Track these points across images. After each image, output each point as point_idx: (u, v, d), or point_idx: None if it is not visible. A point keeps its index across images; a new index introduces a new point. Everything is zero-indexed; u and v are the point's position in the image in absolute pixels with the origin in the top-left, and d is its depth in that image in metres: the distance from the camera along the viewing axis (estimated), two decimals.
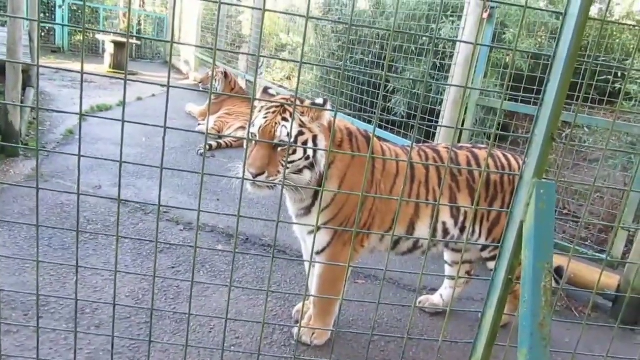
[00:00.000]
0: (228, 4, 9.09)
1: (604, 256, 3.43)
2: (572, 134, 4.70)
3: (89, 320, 2.39)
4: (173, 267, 3.05)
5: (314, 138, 2.18)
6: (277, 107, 2.19)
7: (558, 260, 3.06)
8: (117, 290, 2.67)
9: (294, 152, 2.14)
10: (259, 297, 2.85)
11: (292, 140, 2.12)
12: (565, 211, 4.64)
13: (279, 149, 2.02)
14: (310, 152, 2.16)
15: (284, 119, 2.13)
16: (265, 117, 2.17)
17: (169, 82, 1.15)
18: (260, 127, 2.16)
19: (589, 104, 4.28)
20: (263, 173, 2.05)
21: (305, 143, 2.16)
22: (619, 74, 4.24)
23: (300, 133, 2.16)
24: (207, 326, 2.52)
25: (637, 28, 4.56)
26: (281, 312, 2.78)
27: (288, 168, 2.15)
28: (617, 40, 5.32)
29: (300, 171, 2.18)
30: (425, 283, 3.37)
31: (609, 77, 4.19)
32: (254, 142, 2.13)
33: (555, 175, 3.70)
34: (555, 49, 1.24)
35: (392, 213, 2.40)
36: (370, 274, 3.35)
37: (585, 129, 4.75)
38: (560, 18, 1.25)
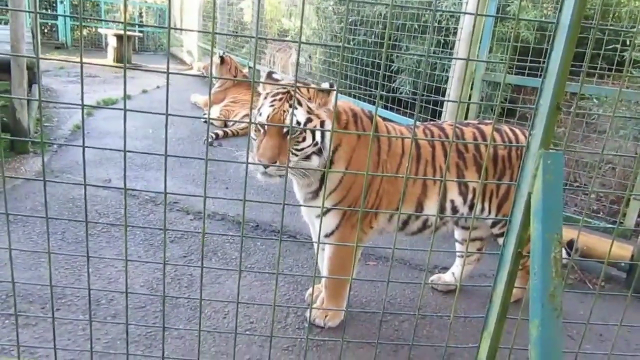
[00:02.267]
0: None
1: (614, 226, 3.40)
2: (578, 104, 4.63)
3: (105, 310, 2.43)
4: (185, 256, 3.08)
5: (322, 124, 2.17)
6: (283, 93, 2.16)
7: (569, 233, 3.04)
8: (131, 281, 2.71)
9: (304, 139, 2.13)
10: (271, 282, 2.87)
11: (302, 128, 2.10)
12: (576, 184, 4.59)
13: (288, 136, 2.00)
14: (318, 138, 2.14)
15: (292, 106, 2.12)
16: (272, 105, 2.14)
17: (167, 69, 1.14)
18: (268, 116, 2.13)
19: (597, 72, 4.20)
20: (274, 163, 2.04)
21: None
22: (628, 42, 4.15)
23: (309, 120, 2.14)
24: (222, 312, 2.55)
25: None
26: (294, 296, 2.80)
27: (297, 155, 2.14)
28: (625, 8, 5.20)
29: (308, 157, 2.17)
30: (436, 262, 3.37)
31: (617, 45, 4.10)
32: (262, 131, 2.12)
33: (563, 148, 3.66)
34: (558, 16, 1.22)
35: (399, 193, 2.39)
36: (381, 256, 3.36)
37: (595, 100, 4.68)
38: None
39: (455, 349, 2.39)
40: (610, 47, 4.13)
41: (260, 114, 2.17)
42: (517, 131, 2.60)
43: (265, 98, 2.21)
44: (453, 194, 2.49)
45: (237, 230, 3.53)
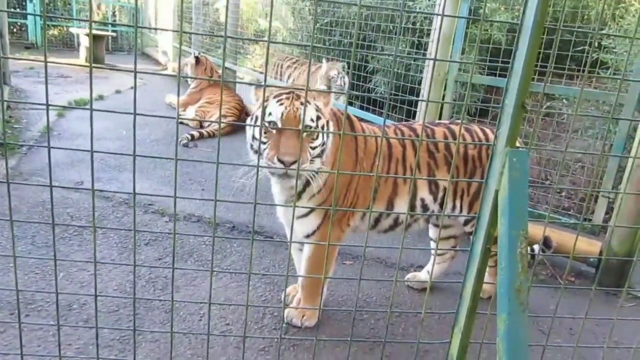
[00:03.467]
0: None
1: (579, 222, 3.50)
2: (549, 104, 4.75)
3: (77, 315, 2.39)
4: (160, 259, 3.04)
5: (327, 123, 2.18)
6: (288, 93, 2.15)
7: (540, 230, 3.11)
8: (104, 285, 2.67)
9: (317, 137, 2.12)
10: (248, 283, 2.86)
11: (314, 125, 2.10)
12: (547, 182, 4.71)
13: (303, 135, 1.82)
14: (325, 138, 2.14)
15: (302, 104, 2.07)
16: (282, 104, 2.10)
17: (135, 68, 1.13)
18: (282, 114, 2.07)
19: (565, 73, 4.31)
20: (296, 161, 1.95)
21: (323, 128, 2.14)
22: (596, 44, 4.28)
23: (319, 118, 2.13)
24: (197, 314, 2.53)
25: None
26: (270, 297, 2.79)
27: (310, 155, 2.12)
28: (593, 11, 5.35)
29: (315, 157, 2.16)
30: (412, 261, 3.41)
31: (585, 47, 4.22)
32: (274, 131, 2.07)
33: (531, 146, 3.76)
34: (522, 17, 1.25)
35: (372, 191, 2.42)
36: (358, 255, 3.38)
37: (564, 100, 4.80)
38: None
39: (430, 346, 2.42)
40: (579, 48, 4.24)
41: (270, 114, 2.10)
42: (487, 130, 2.65)
43: (268, 100, 2.14)
44: (423, 192, 2.53)
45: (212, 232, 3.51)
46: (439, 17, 3.79)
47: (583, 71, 4.52)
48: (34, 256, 2.84)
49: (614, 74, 4.28)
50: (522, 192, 1.25)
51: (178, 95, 1.15)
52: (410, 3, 5.19)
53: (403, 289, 3.00)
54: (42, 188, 3.63)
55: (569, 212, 4.32)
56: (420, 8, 5.05)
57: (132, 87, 8.14)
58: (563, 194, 4.58)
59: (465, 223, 2.69)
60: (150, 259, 3.02)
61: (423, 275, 3.06)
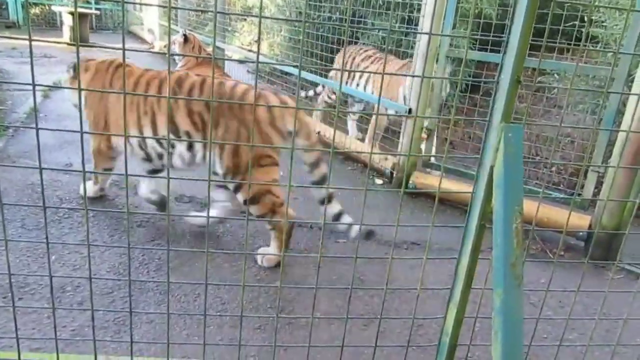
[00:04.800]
0: None
1: (571, 197, 3.54)
2: (539, 79, 4.74)
3: (71, 298, 2.38)
4: (153, 240, 3.03)
5: None
6: None
7: (530, 205, 3.14)
8: (97, 267, 2.66)
9: None
10: (242, 263, 2.87)
11: None
12: (537, 157, 4.73)
13: None
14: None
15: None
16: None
17: (123, 46, 1.10)
18: None
19: (557, 47, 4.30)
20: None
21: None
22: (585, 19, 4.25)
23: None
24: (192, 295, 2.53)
25: None
26: (265, 276, 2.80)
27: None
28: None
29: None
30: (405, 237, 3.42)
31: (576, 22, 4.20)
32: None
33: (524, 122, 3.75)
34: None
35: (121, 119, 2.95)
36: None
37: (555, 75, 4.79)
38: None
39: (423, 321, 2.46)
40: (569, 23, 4.22)
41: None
42: (240, 85, 2.84)
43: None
44: (148, 131, 2.88)
45: (203, 211, 3.49)
46: None
47: (577, 46, 4.51)
48: (25, 239, 2.81)
49: (604, 47, 4.27)
50: (517, 167, 1.25)
51: (169, 74, 1.12)
52: None
53: (397, 266, 3.02)
54: (31, 170, 3.58)
55: (559, 187, 4.36)
56: None
57: None
58: (553, 169, 4.61)
59: (225, 176, 2.79)
60: (143, 240, 3.01)
61: (271, 249, 2.94)
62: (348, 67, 4.97)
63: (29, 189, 3.44)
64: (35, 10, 12.91)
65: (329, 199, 2.72)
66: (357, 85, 5.04)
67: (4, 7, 12.45)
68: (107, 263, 2.71)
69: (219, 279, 2.69)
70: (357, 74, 5.04)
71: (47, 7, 12.98)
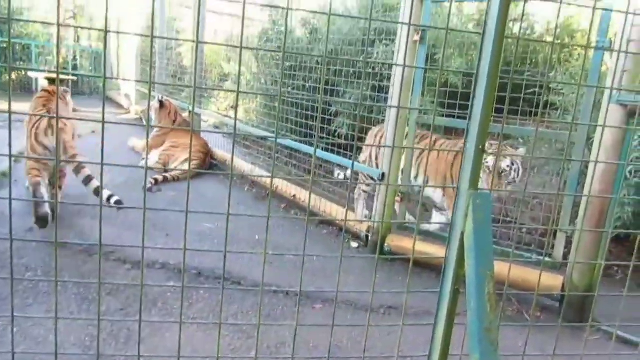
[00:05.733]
0: (162, 38, 8.98)
1: (541, 258, 3.61)
2: (504, 143, 4.96)
3: None
4: (122, 309, 2.92)
5: None
6: None
7: (502, 266, 3.18)
8: (61, 339, 2.53)
9: None
10: (215, 332, 2.77)
11: None
12: (508, 219, 4.85)
13: None
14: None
15: None
16: None
17: (103, 118, 1.12)
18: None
19: (519, 113, 4.54)
20: None
21: None
22: (544, 86, 4.54)
23: None
24: None
25: (557, 42, 4.91)
26: (239, 345, 2.71)
27: None
28: (541, 55, 5.70)
29: None
30: (382, 302, 3.39)
31: (536, 89, 4.47)
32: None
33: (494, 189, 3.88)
34: (478, 67, 1.32)
35: None
36: (327, 298, 3.35)
37: (520, 139, 5.03)
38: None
39: None
40: (529, 91, 4.49)
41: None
42: None
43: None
44: None
45: (178, 280, 3.41)
46: (400, 62, 3.95)
47: (536, 113, 4.78)
48: None
49: (563, 113, 4.53)
50: (486, 232, 1.29)
51: (147, 147, 1.14)
52: (370, 49, 5.39)
53: (374, 332, 2.97)
54: None
55: (530, 248, 4.45)
56: (378, 54, 5.25)
57: (93, 132, 8.01)
58: (524, 230, 4.72)
59: None
60: (112, 310, 2.90)
61: None
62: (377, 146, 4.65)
63: None
64: (12, 76, 13.00)
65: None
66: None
67: None
68: (73, 335, 2.58)
69: (192, 349, 2.59)
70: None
71: (23, 73, 13.09)
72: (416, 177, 4.59)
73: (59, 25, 1.11)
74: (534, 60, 5.47)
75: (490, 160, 3.95)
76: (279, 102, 1.22)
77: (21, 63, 13.14)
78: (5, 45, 12.42)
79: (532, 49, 5.43)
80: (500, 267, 3.30)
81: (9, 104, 1.13)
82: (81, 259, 3.46)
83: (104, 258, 3.47)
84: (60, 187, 4.55)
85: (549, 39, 5.93)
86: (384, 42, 5.22)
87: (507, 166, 3.99)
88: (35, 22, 4.28)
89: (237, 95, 1.17)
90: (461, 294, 1.46)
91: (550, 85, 4.67)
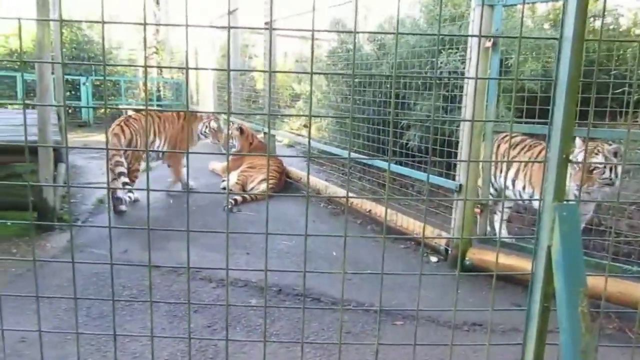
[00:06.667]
0: (237, 70, 9.40)
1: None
2: (586, 156, 4.63)
3: None
4: (209, 326, 3.05)
5: None
6: None
7: (597, 280, 2.95)
8: (156, 354, 2.69)
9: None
10: (297, 348, 2.82)
11: None
12: (602, 227, 4.49)
13: None
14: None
15: None
16: None
17: (187, 149, 1.21)
18: None
19: (607, 117, 4.23)
20: None
21: None
22: (633, 85, 4.20)
23: None
24: None
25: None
26: None
27: None
28: (629, 50, 5.29)
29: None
30: (465, 318, 3.27)
31: (625, 88, 4.16)
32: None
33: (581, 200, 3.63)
34: (556, 72, 1.27)
35: None
36: (408, 315, 3.28)
37: (610, 143, 4.67)
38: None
39: None
40: (618, 90, 4.18)
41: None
42: None
43: None
44: None
45: (260, 297, 3.51)
46: (475, 68, 3.83)
47: (627, 113, 4.43)
48: (91, 327, 2.92)
49: None
50: (576, 246, 1.22)
51: (228, 174, 1.21)
52: (438, 59, 5.30)
53: (458, 350, 2.87)
54: (95, 259, 3.78)
55: (630, 259, 4.08)
56: (447, 63, 5.14)
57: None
58: (620, 239, 4.35)
59: None
60: (199, 326, 3.04)
61: None
62: (495, 158, 4.27)
63: (95, 277, 3.62)
64: (103, 110, 14.24)
65: None
66: (506, 177, 4.36)
67: (77, 108, 13.80)
68: (165, 350, 2.74)
69: None
70: (504, 166, 4.35)
71: (114, 107, 14.28)
72: (524, 189, 4.22)
73: (146, 67, 1.21)
74: (620, 57, 5.10)
75: (580, 155, 3.63)
76: (349, 121, 1.25)
77: (112, 97, 14.33)
78: (98, 83, 13.63)
79: (619, 44, 5.06)
80: (596, 281, 3.08)
81: (106, 143, 1.24)
82: (171, 279, 3.67)
83: (191, 277, 3.65)
84: (133, 180, 5.61)
85: (637, 31, 5.51)
86: (452, 50, 5.11)
87: (600, 163, 3.56)
88: (124, 65, 4.67)
89: (310, 119, 1.21)
90: (551, 311, 1.38)
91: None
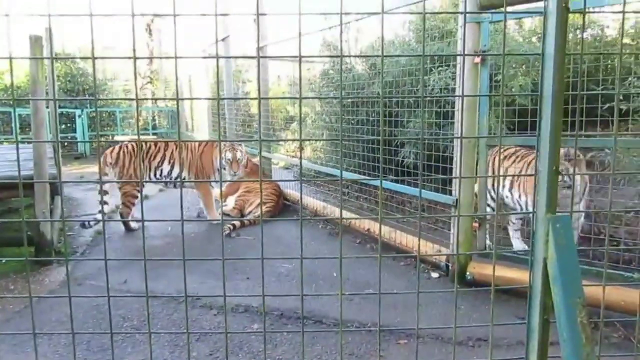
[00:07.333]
0: (227, 98, 9.51)
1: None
2: (591, 155, 4.66)
3: None
4: (211, 354, 3.02)
5: None
6: None
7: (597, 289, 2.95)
8: None
9: None
10: None
11: None
12: (601, 236, 4.49)
13: None
14: None
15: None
16: None
17: (182, 179, 1.22)
18: None
19: (598, 126, 4.27)
20: None
21: None
22: (617, 96, 4.25)
23: None
24: None
25: (626, 52, 4.62)
26: None
27: None
28: (616, 59, 5.36)
29: None
30: (469, 334, 3.25)
31: (614, 97, 4.20)
32: None
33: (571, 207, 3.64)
34: (540, 88, 1.29)
35: None
36: (411, 333, 3.26)
37: (606, 150, 4.70)
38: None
39: None
40: (607, 103, 4.22)
41: None
42: None
43: None
44: None
45: (261, 321, 3.48)
46: (461, 87, 3.90)
47: (620, 119, 4.47)
48: None
49: None
50: (571, 258, 1.22)
51: (222, 200, 1.22)
52: (427, 79, 5.36)
53: None
54: (95, 292, 3.75)
55: (630, 266, 4.07)
56: (437, 80, 5.20)
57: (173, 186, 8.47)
58: (620, 246, 4.34)
59: None
60: (201, 355, 3.00)
61: None
62: (492, 171, 4.35)
63: (94, 309, 3.58)
64: (101, 139, 14.30)
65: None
66: (503, 187, 4.46)
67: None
68: None
69: None
70: (501, 178, 4.44)
71: (110, 137, 14.34)
72: (520, 197, 4.36)
73: (137, 99, 1.23)
74: (609, 66, 5.16)
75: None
76: (340, 144, 1.26)
77: (107, 127, 14.39)
78: (93, 115, 13.70)
79: (604, 55, 5.13)
80: (597, 290, 3.06)
81: (100, 176, 1.25)
82: (172, 307, 3.64)
83: (191, 305, 3.62)
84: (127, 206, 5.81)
85: (624, 40, 5.59)
86: (443, 67, 5.18)
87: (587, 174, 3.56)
88: (117, 99, 4.71)
89: (301, 144, 1.23)
90: (552, 323, 1.37)
91: (632, 91, 4.37)
